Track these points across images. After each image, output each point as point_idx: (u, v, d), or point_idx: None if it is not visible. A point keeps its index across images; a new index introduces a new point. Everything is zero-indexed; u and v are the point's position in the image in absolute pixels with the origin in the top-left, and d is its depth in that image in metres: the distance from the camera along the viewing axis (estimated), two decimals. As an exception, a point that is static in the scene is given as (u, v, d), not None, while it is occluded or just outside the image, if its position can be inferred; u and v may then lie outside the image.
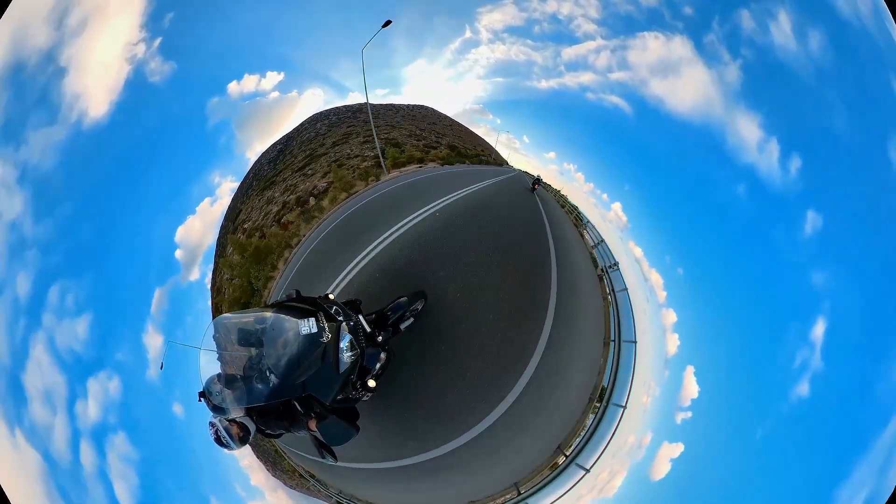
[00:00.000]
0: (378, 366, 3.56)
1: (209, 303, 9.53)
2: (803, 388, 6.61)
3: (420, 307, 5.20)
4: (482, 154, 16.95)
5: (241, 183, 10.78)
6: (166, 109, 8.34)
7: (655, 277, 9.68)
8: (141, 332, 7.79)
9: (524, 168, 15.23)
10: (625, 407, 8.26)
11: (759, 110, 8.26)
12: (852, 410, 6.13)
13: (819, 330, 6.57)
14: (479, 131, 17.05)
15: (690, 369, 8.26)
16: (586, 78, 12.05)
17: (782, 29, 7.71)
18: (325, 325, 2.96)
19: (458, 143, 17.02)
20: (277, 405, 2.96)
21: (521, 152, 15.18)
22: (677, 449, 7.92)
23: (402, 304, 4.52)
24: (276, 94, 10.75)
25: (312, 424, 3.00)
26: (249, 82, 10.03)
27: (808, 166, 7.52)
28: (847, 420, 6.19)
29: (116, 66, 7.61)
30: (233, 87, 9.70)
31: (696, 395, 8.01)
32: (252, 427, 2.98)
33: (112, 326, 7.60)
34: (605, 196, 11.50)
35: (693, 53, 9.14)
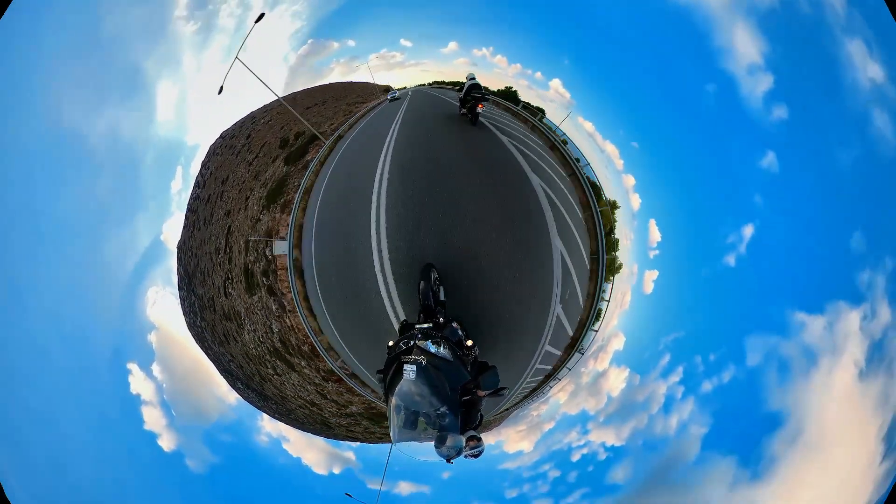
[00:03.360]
0: (460, 331, 4.38)
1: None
2: (730, 260, 9.04)
3: (436, 275, 5.70)
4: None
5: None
6: None
7: (611, 148, 10.46)
8: None
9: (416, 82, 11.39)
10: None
11: (770, 43, 7.35)
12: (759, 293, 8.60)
13: (748, 231, 8.43)
14: (336, 74, 10.27)
15: (653, 221, 10.63)
16: None
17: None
18: (414, 357, 3.63)
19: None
20: (462, 411, 3.78)
21: (408, 64, 10.99)
22: (655, 274, 11.09)
23: (424, 289, 5.14)
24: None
25: (481, 393, 3.93)
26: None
27: (793, 121, 7.53)
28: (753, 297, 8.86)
29: None
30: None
31: (660, 239, 10.72)
32: (473, 431, 3.94)
33: None
34: (538, 75, 10.45)
35: None
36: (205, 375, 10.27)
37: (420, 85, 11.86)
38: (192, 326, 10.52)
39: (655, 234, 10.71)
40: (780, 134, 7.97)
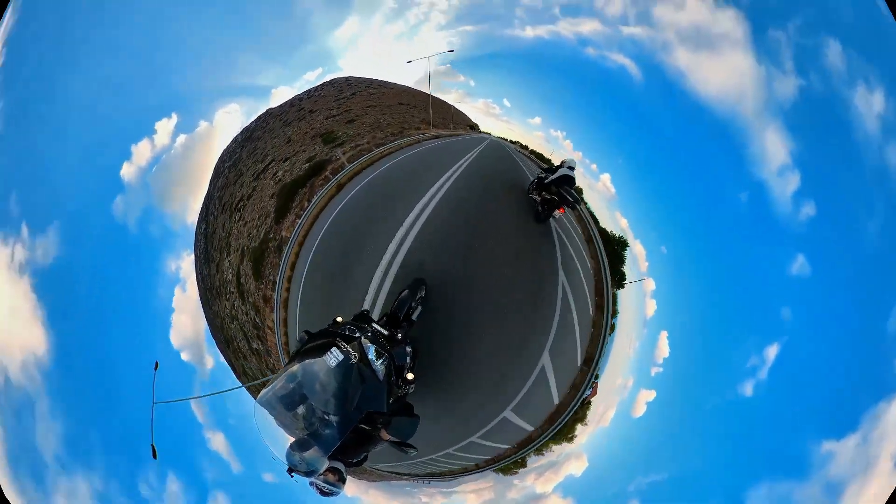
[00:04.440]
0: (408, 359, 3.88)
1: (234, 375, 9.53)
2: (747, 389, 7.95)
3: (423, 294, 5.34)
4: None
5: (195, 250, 9.79)
6: (90, 269, 7.27)
7: (639, 248, 10.36)
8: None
9: (507, 137, 12.91)
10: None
11: (797, 137, 7.31)
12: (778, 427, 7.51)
13: (772, 351, 7.64)
14: (450, 98, 13.14)
15: (664, 333, 9.72)
16: (589, 28, 9.39)
17: (864, 95, 6.52)
18: (348, 348, 3.10)
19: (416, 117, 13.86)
20: (350, 436, 3.10)
21: (502, 119, 13.00)
22: (651, 395, 9.90)
23: (405, 298, 4.77)
24: (182, 139, 8.70)
25: (385, 435, 3.28)
26: (142, 151, 8.05)
27: (820, 218, 7.30)
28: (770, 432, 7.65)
29: (24, 303, 6.64)
30: (126, 171, 7.88)
31: (667, 355, 9.64)
32: (342, 466, 3.19)
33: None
34: (594, 166, 11.17)
35: (746, 38, 7.39)
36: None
37: (502, 138, 13.61)
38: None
39: (663, 349, 9.81)
40: (810, 233, 7.59)
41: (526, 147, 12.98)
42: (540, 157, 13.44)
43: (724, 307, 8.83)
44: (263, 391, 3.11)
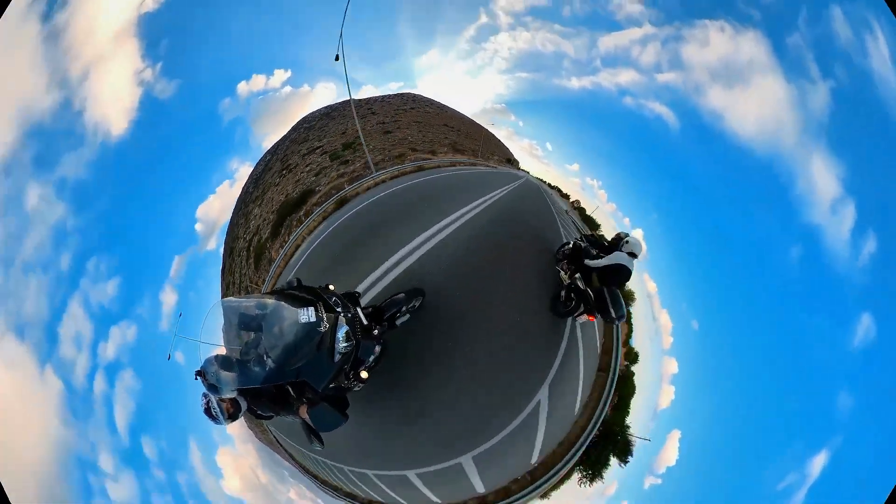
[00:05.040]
0: (372, 358, 3.64)
1: (219, 268, 11.43)
2: None
3: (417, 304, 5.05)
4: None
5: (256, 166, 12.26)
6: (179, 116, 10.07)
7: (665, 320, 8.68)
8: (159, 291, 10.08)
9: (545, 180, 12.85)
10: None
11: (842, 158, 6.36)
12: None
13: (818, 462, 5.78)
14: (501, 134, 14.87)
15: (676, 434, 7.48)
16: (626, 77, 10.13)
17: (881, 50, 5.83)
18: (324, 315, 3.06)
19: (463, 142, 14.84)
20: (271, 389, 3.04)
21: (542, 161, 13.68)
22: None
23: (399, 300, 4.52)
24: (287, 89, 12.47)
25: (303, 411, 3.09)
26: (258, 82, 11.70)
27: (883, 254, 6.12)
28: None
29: (129, 91, 9.63)
30: (242, 87, 11.51)
31: (672, 464, 7.34)
32: (243, 405, 3.12)
33: (136, 287, 9.93)
34: (626, 220, 10.42)
35: (770, 58, 7.12)
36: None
37: (540, 180, 13.87)
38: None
39: (669, 454, 7.56)
40: (873, 283, 6.16)
41: (560, 190, 12.98)
42: (581, 211, 12.85)
43: (761, 402, 6.93)
44: (233, 298, 3.13)
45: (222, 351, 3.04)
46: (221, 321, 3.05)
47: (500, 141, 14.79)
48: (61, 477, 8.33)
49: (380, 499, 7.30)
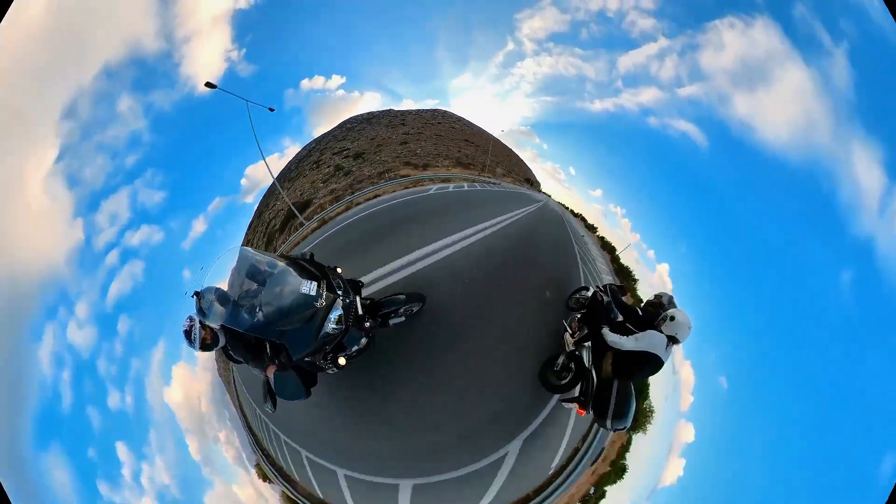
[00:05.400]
0: (355, 348, 3.62)
1: (248, 221, 13.33)
2: None
3: (415, 310, 4.88)
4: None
5: (301, 150, 14.90)
6: (250, 93, 11.79)
7: (686, 374, 7.06)
8: (193, 218, 11.69)
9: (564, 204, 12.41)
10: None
11: (878, 134, 5.56)
12: None
13: None
14: (525, 156, 15.84)
15: None
16: (648, 96, 9.52)
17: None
18: (324, 293, 3.25)
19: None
20: (251, 338, 3.26)
21: (564, 185, 13.71)
22: None
23: (398, 300, 4.39)
24: (341, 92, 15.14)
25: (271, 371, 3.41)
26: (318, 81, 14.41)
27: None
28: None
29: (217, 63, 12.10)
30: (304, 83, 14.17)
31: None
32: (221, 341, 3.37)
33: (177, 204, 11.48)
34: (651, 253, 9.09)
35: (783, 42, 6.53)
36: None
37: (562, 205, 14.11)
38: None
39: None
40: None
41: (585, 220, 12.75)
42: (606, 244, 12.20)
43: (794, 477, 5.50)
44: (250, 248, 3.45)
45: (224, 287, 3.28)
46: (234, 263, 3.31)
47: (523, 161, 15.51)
48: (40, 287, 9.73)
49: (298, 478, 6.92)
